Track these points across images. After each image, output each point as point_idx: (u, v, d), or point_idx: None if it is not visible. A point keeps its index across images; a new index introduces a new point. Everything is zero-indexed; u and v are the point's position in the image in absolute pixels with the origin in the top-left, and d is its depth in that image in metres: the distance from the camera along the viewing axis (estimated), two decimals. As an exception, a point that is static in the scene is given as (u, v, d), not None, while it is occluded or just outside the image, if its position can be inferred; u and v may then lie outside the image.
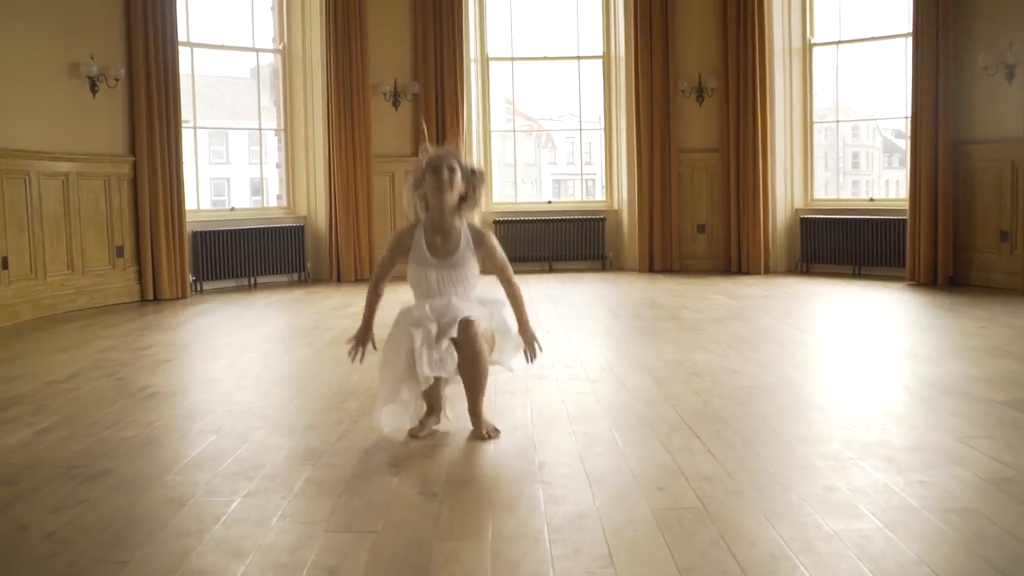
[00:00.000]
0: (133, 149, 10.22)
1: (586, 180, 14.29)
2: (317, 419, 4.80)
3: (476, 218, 4.66)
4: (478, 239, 4.52)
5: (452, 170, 4.34)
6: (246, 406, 5.07)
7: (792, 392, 5.25)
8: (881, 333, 7.38)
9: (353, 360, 4.57)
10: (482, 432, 4.40)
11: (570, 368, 6.03)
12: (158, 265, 10.33)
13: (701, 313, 8.49)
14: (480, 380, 4.40)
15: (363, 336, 4.64)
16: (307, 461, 4.04)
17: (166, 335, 7.72)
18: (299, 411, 5.00)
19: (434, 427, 4.53)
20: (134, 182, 10.25)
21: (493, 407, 4.96)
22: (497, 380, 5.55)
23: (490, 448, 4.22)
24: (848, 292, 9.99)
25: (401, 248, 4.50)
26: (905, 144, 11.87)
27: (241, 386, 5.62)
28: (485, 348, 4.37)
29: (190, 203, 11.55)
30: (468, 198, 4.45)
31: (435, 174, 4.33)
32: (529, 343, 4.65)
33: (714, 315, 8.35)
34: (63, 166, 9.49)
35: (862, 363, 6.08)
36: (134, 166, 10.23)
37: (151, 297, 10.29)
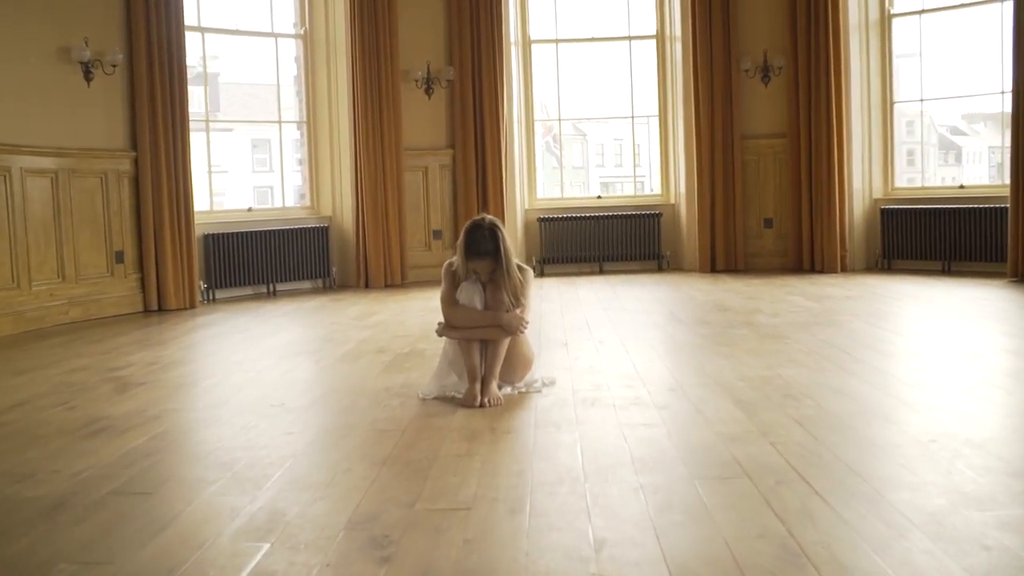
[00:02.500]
0: (135, 143, 9.15)
1: (638, 177, 13.06)
2: (306, 474, 3.64)
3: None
4: (521, 274, 4.78)
5: (487, 262, 4.68)
6: (208, 447, 3.93)
7: (921, 418, 4.00)
8: (993, 338, 6.10)
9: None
10: (484, 400, 4.56)
11: (630, 388, 4.82)
12: (163, 272, 9.25)
13: (779, 317, 7.25)
14: (500, 343, 4.66)
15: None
16: None
17: (154, 351, 6.62)
18: (280, 461, 3.84)
19: (489, 399, 4.58)
20: (136, 179, 9.18)
21: (532, 445, 3.78)
22: (537, 408, 4.37)
23: (524, 516, 3.01)
24: (942, 291, 8.68)
25: (455, 276, 4.79)
26: (1003, 124, 10.53)
27: (213, 418, 4.47)
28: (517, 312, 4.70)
29: (202, 203, 10.50)
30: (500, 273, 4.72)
31: (474, 272, 4.71)
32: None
33: (795, 319, 7.11)
34: (51, 162, 8.44)
35: (991, 377, 4.82)
36: (135, 162, 9.16)
37: (156, 307, 9.21)
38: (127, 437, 4.13)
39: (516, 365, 4.82)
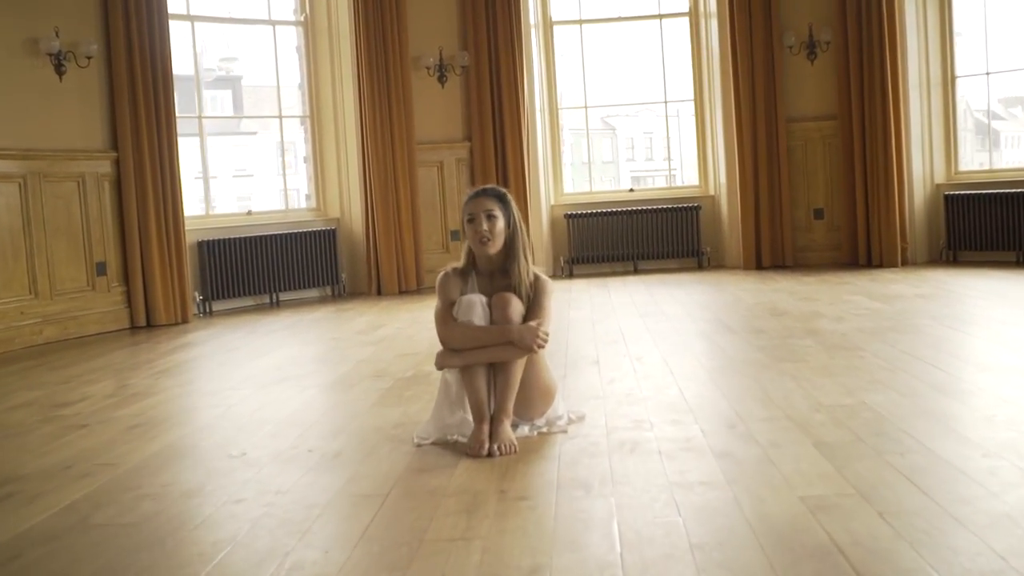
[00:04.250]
0: (115, 143, 8.25)
1: (672, 170, 12.05)
2: (243, 571, 2.69)
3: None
4: (537, 281, 3.90)
5: (492, 218, 3.80)
6: (128, 522, 2.98)
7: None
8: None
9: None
10: (493, 447, 3.60)
11: (679, 426, 3.84)
12: (151, 284, 8.34)
13: (845, 322, 6.24)
14: (513, 368, 3.73)
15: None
16: None
17: (121, 378, 5.70)
18: (213, 548, 2.89)
19: (500, 446, 3.61)
20: (118, 183, 8.28)
21: (552, 522, 2.81)
22: (560, 458, 3.41)
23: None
24: (1027, 286, 7.65)
25: (455, 289, 3.89)
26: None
27: (150, 477, 3.53)
28: (519, 321, 3.76)
29: (196, 208, 9.61)
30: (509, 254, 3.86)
31: (471, 224, 3.82)
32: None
33: (864, 325, 6.09)
34: (18, 165, 7.55)
35: None
36: (117, 163, 8.26)
37: (144, 323, 8.31)
38: (32, 508, 3.20)
39: (534, 397, 3.85)
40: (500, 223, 3.79)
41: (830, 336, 5.75)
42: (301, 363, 6.00)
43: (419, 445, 3.74)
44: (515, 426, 3.83)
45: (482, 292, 3.86)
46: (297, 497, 3.17)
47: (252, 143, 24.97)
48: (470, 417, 3.75)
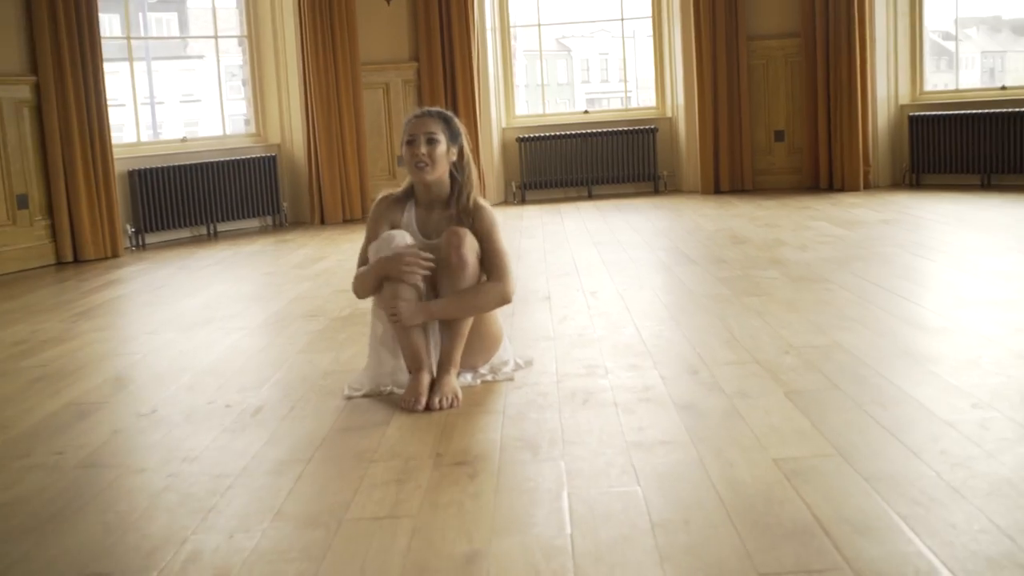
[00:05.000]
0: (35, 66, 7.68)
1: (629, 92, 11.60)
2: (136, 542, 2.32)
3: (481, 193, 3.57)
4: (475, 211, 3.46)
5: (433, 141, 3.40)
6: (10, 488, 2.60)
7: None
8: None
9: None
10: (434, 399, 3.23)
11: (636, 372, 3.49)
12: (77, 217, 7.83)
13: (809, 251, 5.92)
14: (465, 303, 3.32)
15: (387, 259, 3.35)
16: None
17: (34, 321, 5.26)
18: (119, 521, 2.52)
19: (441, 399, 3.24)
20: (38, 109, 7.73)
21: (493, 493, 2.46)
22: (505, 412, 3.06)
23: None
24: (995, 211, 7.35)
25: (387, 217, 3.51)
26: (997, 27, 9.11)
27: (50, 438, 3.13)
28: (474, 260, 3.35)
29: (128, 135, 9.08)
30: (457, 180, 3.48)
31: (409, 146, 3.42)
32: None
33: (829, 254, 5.78)
34: (-75, 89, 7.01)
35: None
36: (37, 88, 7.70)
37: (71, 258, 7.83)
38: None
39: (478, 342, 3.48)
40: (441, 147, 3.40)
41: (795, 266, 5.43)
42: (231, 302, 5.58)
43: (349, 398, 3.37)
44: (458, 375, 3.47)
45: (419, 225, 3.49)
46: (206, 465, 2.80)
47: (200, 67, 24.09)
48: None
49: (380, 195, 3.57)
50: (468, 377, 3.48)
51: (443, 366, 3.32)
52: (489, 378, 3.50)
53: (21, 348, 4.59)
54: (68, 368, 4.14)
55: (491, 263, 3.39)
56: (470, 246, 3.32)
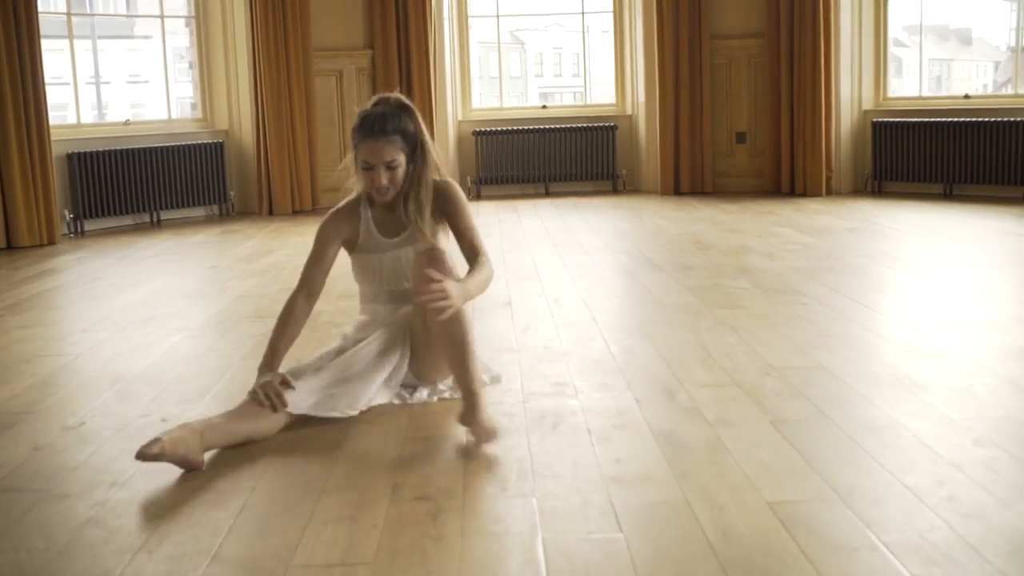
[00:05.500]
0: (-32, 39, 7.29)
1: (582, 86, 11.36)
2: None
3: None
4: (439, 192, 3.17)
5: (393, 167, 3.06)
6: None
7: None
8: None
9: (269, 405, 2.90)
10: (483, 430, 2.77)
11: (608, 392, 3.25)
12: (11, 201, 7.43)
13: (777, 260, 5.72)
14: (463, 329, 2.91)
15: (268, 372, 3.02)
16: None
17: (-40, 315, 4.92)
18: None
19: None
20: (-30, 86, 7.34)
21: (459, 539, 2.20)
22: (469, 435, 2.79)
23: None
24: (960, 221, 7.19)
25: (338, 236, 3.22)
26: (1012, 23, 9.01)
27: (-37, 456, 2.83)
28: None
29: (69, 116, 8.68)
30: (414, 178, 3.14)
31: (366, 172, 3.07)
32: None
33: (798, 263, 5.58)
34: None
35: None
36: (-30, 63, 7.31)
37: (3, 245, 7.43)
38: None
39: (441, 355, 3.21)
40: (401, 169, 3.09)
41: (764, 276, 5.22)
42: (171, 298, 5.26)
43: (292, 415, 3.08)
44: (412, 389, 3.21)
45: (379, 229, 3.22)
46: (136, 492, 2.51)
47: (147, 47, 23.47)
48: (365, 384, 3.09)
49: (330, 211, 3.27)
50: (424, 393, 3.22)
51: (471, 393, 2.85)
52: (447, 395, 3.23)
53: (-61, 345, 4.25)
54: (-9, 370, 3.81)
55: (472, 240, 3.15)
56: (449, 267, 2.97)
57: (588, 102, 10.85)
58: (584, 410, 3.05)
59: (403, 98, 3.15)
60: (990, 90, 20.81)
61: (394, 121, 3.06)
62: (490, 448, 2.74)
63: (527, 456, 2.68)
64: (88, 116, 8.80)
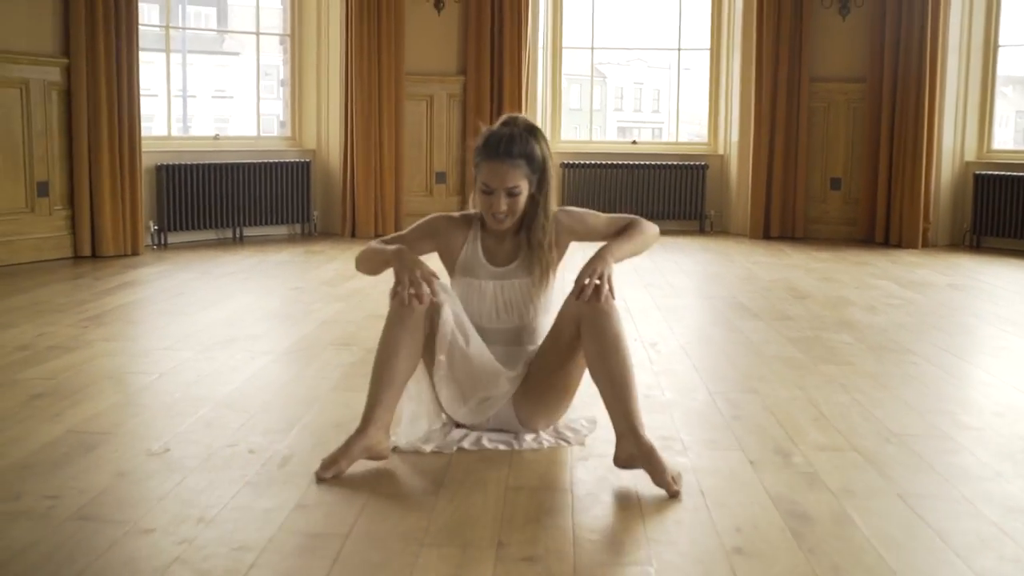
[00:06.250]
0: (67, 48, 7.30)
1: (658, 124, 11.15)
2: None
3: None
4: (559, 221, 3.04)
5: (514, 194, 2.89)
6: None
7: None
8: None
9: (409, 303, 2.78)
10: (668, 479, 2.61)
11: (718, 449, 3.04)
12: (99, 209, 7.43)
13: (879, 314, 5.47)
14: (626, 366, 2.88)
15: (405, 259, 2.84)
16: None
17: (42, 322, 4.83)
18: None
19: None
20: (67, 94, 7.34)
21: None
22: (574, 490, 2.61)
23: None
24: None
25: (441, 236, 3.06)
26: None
27: (26, 509, 2.71)
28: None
29: (159, 127, 8.70)
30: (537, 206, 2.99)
31: (485, 195, 2.90)
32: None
33: (902, 319, 5.32)
34: (-49, 63, 6.63)
35: None
36: (68, 71, 7.30)
37: (89, 253, 7.42)
38: None
39: (554, 397, 3.05)
40: (523, 196, 2.92)
41: (868, 331, 4.97)
42: (256, 319, 5.16)
43: (395, 449, 2.93)
44: (513, 436, 3.04)
45: (486, 255, 3.05)
46: (225, 531, 2.36)
47: (235, 64, 23.77)
48: (447, 417, 2.96)
49: (447, 213, 3.14)
50: (528, 439, 3.04)
51: (636, 434, 2.71)
52: (551, 442, 3.06)
53: (24, 355, 4.17)
54: (73, 384, 3.71)
55: (613, 223, 3.07)
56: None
57: (678, 139, 10.65)
58: (695, 470, 2.85)
59: (532, 121, 3.00)
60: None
61: (521, 144, 2.89)
62: (672, 492, 2.61)
63: (639, 517, 2.49)
64: (175, 129, 8.77)
